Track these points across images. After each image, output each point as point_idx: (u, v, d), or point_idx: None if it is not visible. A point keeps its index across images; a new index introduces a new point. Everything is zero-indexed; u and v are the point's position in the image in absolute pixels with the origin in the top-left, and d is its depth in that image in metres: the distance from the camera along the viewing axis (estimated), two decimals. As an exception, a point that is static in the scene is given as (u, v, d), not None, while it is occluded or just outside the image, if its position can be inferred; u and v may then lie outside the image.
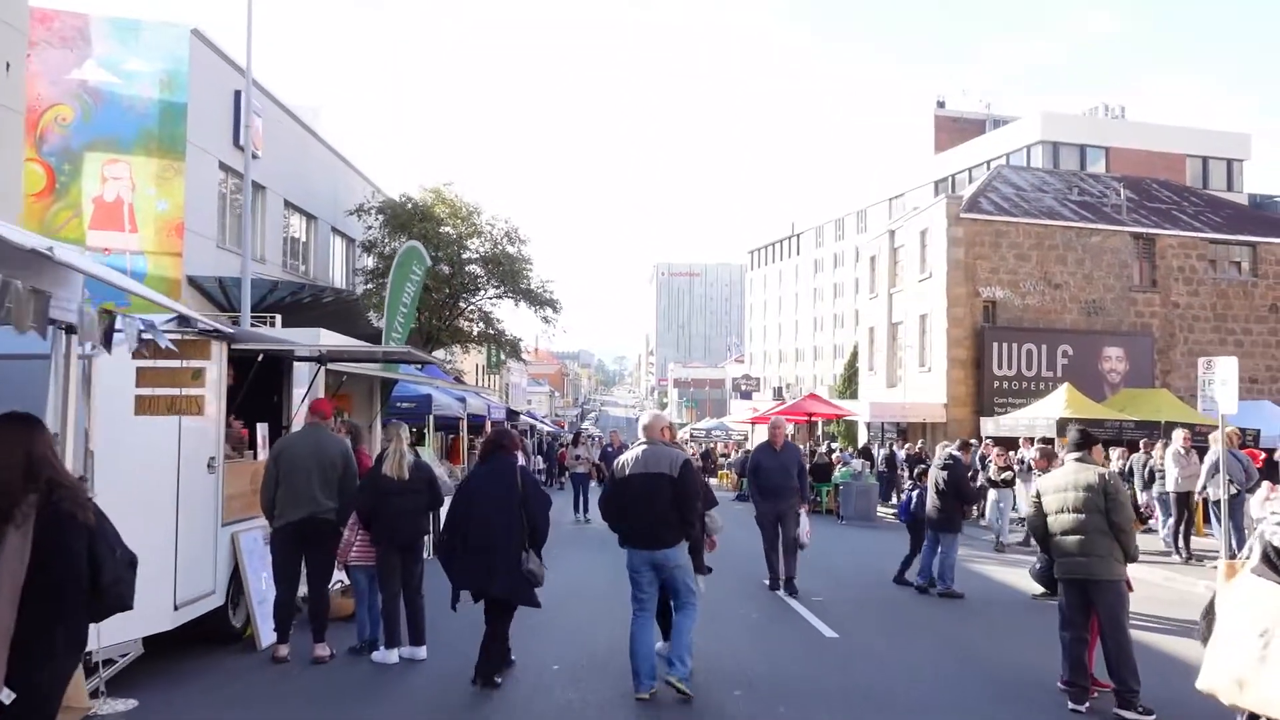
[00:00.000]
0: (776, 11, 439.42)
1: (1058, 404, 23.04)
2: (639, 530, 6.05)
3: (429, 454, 12.86)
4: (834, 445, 29.32)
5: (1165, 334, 28.40)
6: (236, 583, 6.92)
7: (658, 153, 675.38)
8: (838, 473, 20.77)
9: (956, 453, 10.20)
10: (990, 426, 24.23)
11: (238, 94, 20.25)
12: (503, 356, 43.56)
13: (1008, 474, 14.59)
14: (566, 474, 28.40)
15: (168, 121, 18.39)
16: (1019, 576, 10.77)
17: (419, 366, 24.77)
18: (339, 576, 7.33)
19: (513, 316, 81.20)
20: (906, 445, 25.22)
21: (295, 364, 7.97)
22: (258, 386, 7.84)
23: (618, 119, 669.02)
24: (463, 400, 15.08)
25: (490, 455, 6.36)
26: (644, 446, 6.20)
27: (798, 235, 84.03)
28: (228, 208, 20.67)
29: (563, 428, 63.73)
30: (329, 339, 8.05)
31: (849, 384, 42.39)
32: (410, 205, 25.23)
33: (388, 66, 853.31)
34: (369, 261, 26.77)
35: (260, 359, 6.89)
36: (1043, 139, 51.60)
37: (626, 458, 6.23)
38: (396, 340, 11.63)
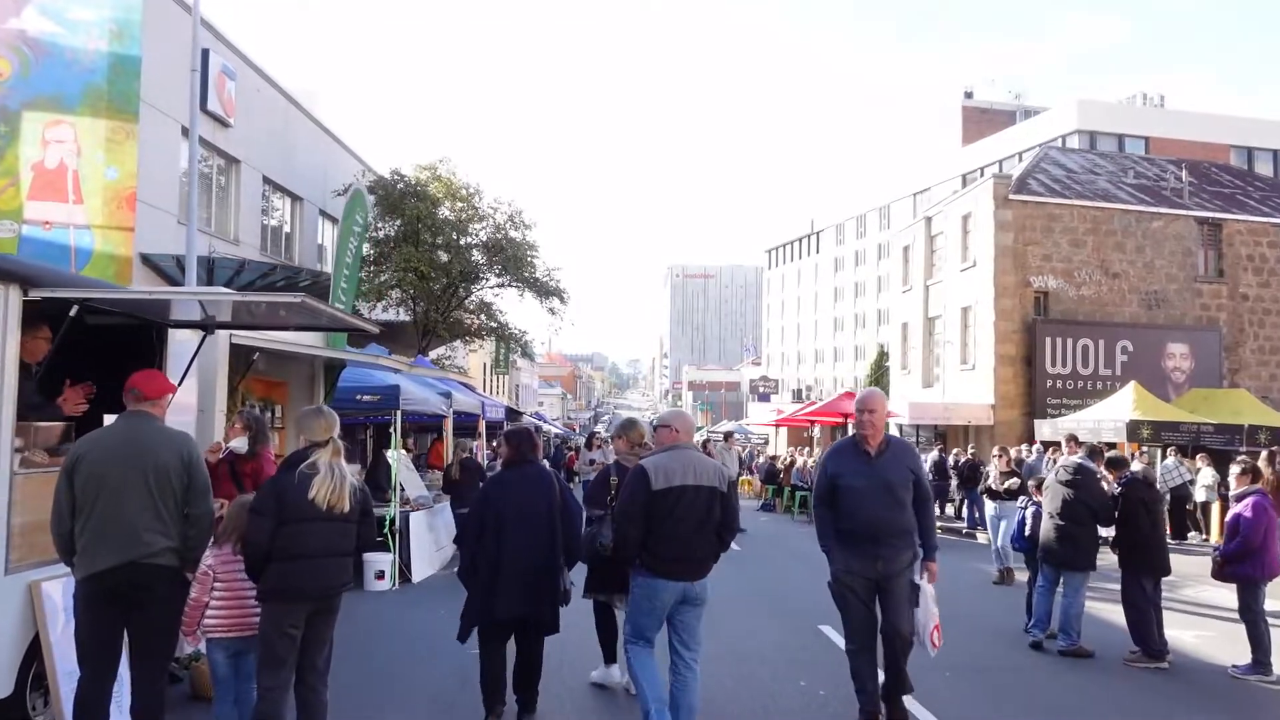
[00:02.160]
0: (794, 4, 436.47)
1: (1124, 404, 20.49)
2: (681, 556, 4.94)
3: (397, 458, 10.48)
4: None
5: (1234, 328, 25.75)
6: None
7: (671, 153, 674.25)
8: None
9: (1088, 462, 7.65)
10: (1047, 430, 21.70)
11: (206, 52, 17.98)
12: (511, 355, 41.26)
13: (1013, 482, 11.52)
14: (575, 480, 26.18)
15: (118, 77, 15.87)
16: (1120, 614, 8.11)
17: (424, 355, 22.34)
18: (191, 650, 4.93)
19: (517, 309, 78.51)
20: (955, 450, 22.65)
21: (175, 332, 5.58)
22: (113, 363, 5.46)
23: (629, 118, 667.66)
24: (447, 395, 12.65)
25: (521, 458, 5.49)
26: (680, 451, 5.09)
27: (817, 233, 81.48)
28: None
29: (574, 430, 61.39)
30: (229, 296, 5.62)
31: (875, 385, 39.87)
32: (401, 184, 22.87)
33: (391, 63, 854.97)
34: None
35: (73, 313, 4.49)
36: (1079, 128, 49.05)
37: (666, 464, 4.98)
38: (341, 308, 9.30)
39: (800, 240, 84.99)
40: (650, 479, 4.87)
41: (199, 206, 18.33)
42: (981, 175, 50.82)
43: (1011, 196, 24.68)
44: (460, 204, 23.87)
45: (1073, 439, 14.49)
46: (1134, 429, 19.17)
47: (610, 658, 6.30)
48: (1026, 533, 8.04)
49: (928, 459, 22.14)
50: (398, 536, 9.69)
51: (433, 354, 25.89)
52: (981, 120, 59.71)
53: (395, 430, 9.86)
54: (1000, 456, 12.51)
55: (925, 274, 29.25)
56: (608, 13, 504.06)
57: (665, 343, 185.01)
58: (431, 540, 10.55)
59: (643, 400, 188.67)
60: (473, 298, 25.24)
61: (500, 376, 52.28)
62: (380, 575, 9.53)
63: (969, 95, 62.00)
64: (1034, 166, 27.54)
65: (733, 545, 15.47)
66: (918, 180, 62.33)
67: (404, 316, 24.17)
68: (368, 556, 9.64)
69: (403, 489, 10.62)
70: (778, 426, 35.23)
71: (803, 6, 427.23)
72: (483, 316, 25.79)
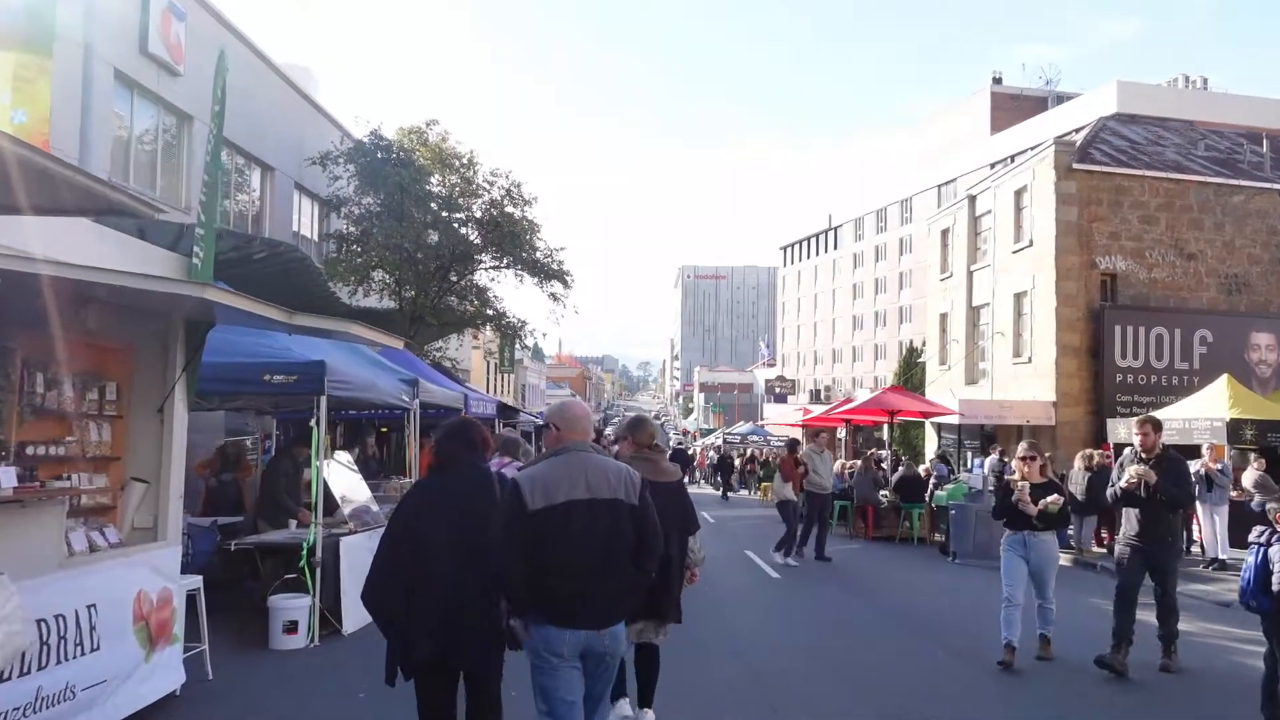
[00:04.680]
0: (811, 1, 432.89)
1: (1218, 401, 17.57)
2: (583, 595, 3.66)
3: (330, 465, 7.67)
4: (902, 455, 23.95)
5: (1324, 317, 22.83)
6: None
7: (682, 153, 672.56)
8: (944, 491, 15.33)
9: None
10: (1122, 430, 18.78)
11: (148, -14, 15.31)
12: (515, 351, 38.45)
13: (1053, 499, 7.50)
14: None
15: (35, 4, 13.40)
16: None
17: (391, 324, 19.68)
18: None
19: (517, 296, 74.32)
20: (1048, 454, 19.71)
21: None
22: None
23: (637, 120, 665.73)
24: (412, 384, 9.88)
25: (452, 461, 4.11)
26: (567, 456, 3.79)
27: (835, 228, 78.54)
28: (132, 137, 15.63)
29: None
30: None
31: (905, 384, 36.93)
32: (380, 149, 20.07)
33: (391, 59, 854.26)
34: (341, 224, 21.77)
35: None
36: (1119, 111, 46.01)
37: (545, 476, 3.73)
38: (203, 227, 6.58)
39: (817, 236, 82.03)
40: (525, 497, 3.70)
41: (136, 162, 15.63)
42: (1012, 164, 47.98)
43: (1075, 166, 21.80)
44: (453, 176, 21.13)
45: (1149, 421, 10.94)
46: (1235, 430, 16.27)
47: (646, 699, 5.26)
48: (1276, 587, 5.13)
49: (986, 464, 19.23)
50: (318, 571, 6.87)
51: (424, 348, 23.17)
52: (1011, 107, 56.74)
53: (319, 424, 7.05)
54: (1029, 460, 7.84)
55: (969, 258, 26.39)
56: (614, 8, 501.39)
57: (676, 344, 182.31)
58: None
59: (653, 402, 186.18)
60: (465, 282, 22.51)
61: (505, 375, 49.54)
62: (291, 627, 6.72)
63: (998, 81, 59.02)
64: (1093, 136, 24.63)
65: (773, 574, 12.76)
66: (942, 171, 59.51)
67: (389, 303, 21.46)
68: (274, 603, 6.83)
69: (339, 502, 7.84)
70: (805, 428, 32.40)
71: (819, 3, 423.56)
72: (477, 303, 23.02)
